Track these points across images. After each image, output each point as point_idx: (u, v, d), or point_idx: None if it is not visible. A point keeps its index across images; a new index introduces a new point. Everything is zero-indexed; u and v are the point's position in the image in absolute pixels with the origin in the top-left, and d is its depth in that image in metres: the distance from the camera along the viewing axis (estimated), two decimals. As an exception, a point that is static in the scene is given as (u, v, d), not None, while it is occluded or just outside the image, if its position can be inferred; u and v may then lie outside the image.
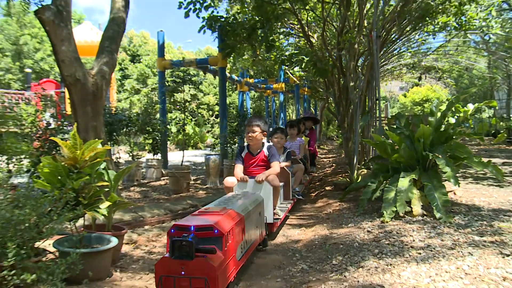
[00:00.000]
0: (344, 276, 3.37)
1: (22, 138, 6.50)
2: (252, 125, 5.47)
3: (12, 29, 35.27)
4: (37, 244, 3.24)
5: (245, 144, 5.55)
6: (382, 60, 12.76)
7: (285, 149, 6.75)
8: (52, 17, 5.29)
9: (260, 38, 8.56)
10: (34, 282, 2.63)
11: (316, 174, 10.97)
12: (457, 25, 9.38)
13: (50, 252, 3.60)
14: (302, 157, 8.09)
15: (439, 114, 5.60)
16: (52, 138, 4.40)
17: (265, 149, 5.36)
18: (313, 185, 9.11)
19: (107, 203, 3.82)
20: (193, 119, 12.49)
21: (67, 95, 9.94)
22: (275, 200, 5.06)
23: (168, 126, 11.75)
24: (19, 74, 33.84)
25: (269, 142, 6.59)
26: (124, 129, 10.13)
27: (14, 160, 4.83)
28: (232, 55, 10.89)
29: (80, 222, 4.04)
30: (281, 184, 5.75)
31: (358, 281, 3.19)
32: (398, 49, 13.61)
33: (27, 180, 4.75)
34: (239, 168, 5.25)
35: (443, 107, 5.70)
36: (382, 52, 10.11)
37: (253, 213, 4.06)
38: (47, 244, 3.59)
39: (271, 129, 8.10)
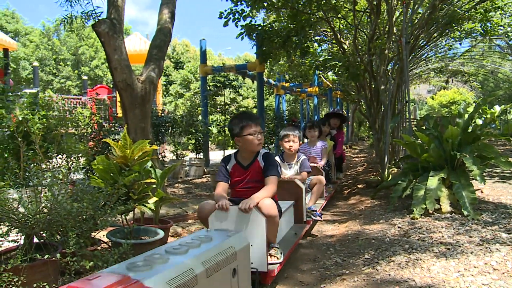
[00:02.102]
0: (376, 269, 3.33)
1: (79, 139, 6.68)
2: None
3: (73, 41, 36.53)
4: (93, 234, 3.33)
5: (232, 152, 3.73)
6: (411, 65, 12.55)
7: (299, 156, 5.09)
8: (107, 29, 5.45)
9: (295, 45, 8.53)
10: (91, 269, 2.70)
11: (348, 173, 10.86)
12: (482, 31, 9.15)
13: (104, 242, 3.69)
14: (325, 165, 6.47)
15: (466, 115, 5.48)
16: (105, 139, 4.50)
17: (260, 158, 3.46)
18: (346, 183, 9.01)
19: (154, 199, 3.88)
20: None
21: (118, 99, 10.15)
22: (271, 235, 3.22)
23: (210, 128, 11.85)
24: (77, 81, 34.92)
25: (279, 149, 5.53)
26: (169, 130, 10.29)
27: (72, 158, 4.96)
28: (269, 61, 10.89)
29: (130, 215, 4.12)
30: (291, 203, 4.38)
31: (389, 275, 3.15)
32: (426, 54, 13.35)
33: (83, 177, 4.88)
34: (221, 188, 3.41)
35: (471, 109, 5.58)
36: (411, 57, 9.94)
37: (211, 278, 2.20)
38: (102, 235, 3.69)
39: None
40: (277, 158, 4.92)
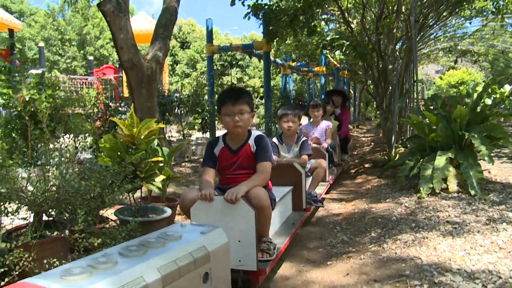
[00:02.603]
0: (383, 247, 3.35)
1: (86, 118, 6.70)
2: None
3: (78, 21, 36.46)
4: (101, 212, 3.36)
5: (221, 134, 3.30)
6: (419, 44, 12.39)
7: (299, 137, 4.73)
8: (112, 9, 5.42)
9: (302, 24, 8.45)
10: (100, 246, 2.73)
11: (355, 152, 10.84)
12: (494, 9, 9.00)
13: (112, 220, 3.73)
14: (329, 147, 6.09)
15: (475, 95, 5.44)
16: (111, 118, 4.51)
17: (251, 141, 3.05)
18: (353, 162, 9.00)
19: (161, 177, 3.91)
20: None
21: (124, 79, 10.15)
22: (262, 228, 2.91)
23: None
24: (83, 61, 34.94)
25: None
26: (176, 110, 10.30)
27: (79, 138, 4.99)
28: (275, 40, 10.81)
29: (137, 194, 4.15)
30: (289, 188, 4.03)
31: (395, 253, 3.17)
32: (435, 34, 13.19)
33: (91, 156, 4.91)
34: (208, 174, 3.01)
35: (480, 89, 5.52)
36: (419, 37, 9.83)
37: None
38: (109, 213, 3.72)
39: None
40: (274, 139, 4.78)
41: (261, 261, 2.79)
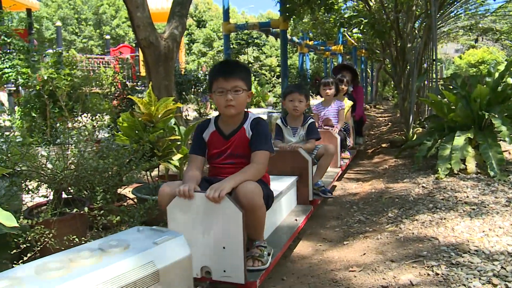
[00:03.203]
0: (400, 228, 3.34)
1: (103, 98, 6.74)
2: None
3: (94, 0, 36.50)
4: (119, 190, 3.40)
5: (212, 116, 2.87)
6: (439, 22, 12.15)
7: (306, 119, 4.21)
8: (129, -14, 5.39)
9: (319, 1, 8.34)
10: (118, 223, 2.77)
11: (372, 132, 10.76)
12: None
13: (130, 198, 3.77)
14: (342, 129, 5.69)
15: (497, 74, 5.32)
16: (130, 96, 4.53)
17: (247, 125, 2.58)
18: (370, 142, 8.94)
19: (178, 155, 3.92)
20: (256, 79, 12.50)
21: (141, 58, 10.18)
22: (254, 231, 2.43)
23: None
24: (99, 40, 35.08)
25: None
26: (193, 89, 10.31)
27: (97, 117, 5.03)
28: (292, 18, 10.70)
29: (155, 172, 4.18)
30: (294, 179, 3.57)
31: (412, 233, 3.15)
32: (455, 11, 12.93)
33: (108, 134, 4.96)
34: (193, 164, 2.55)
35: (502, 68, 5.41)
36: (439, 14, 9.64)
37: None
38: (127, 191, 3.76)
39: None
40: (278, 121, 4.33)
41: (251, 271, 2.33)
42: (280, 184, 3.27)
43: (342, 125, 5.70)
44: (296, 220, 3.30)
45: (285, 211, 3.38)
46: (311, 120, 4.19)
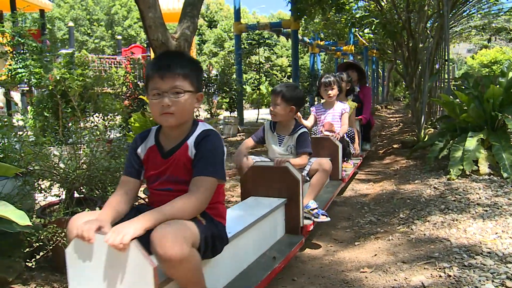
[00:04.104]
0: (411, 229, 3.32)
1: (115, 98, 6.78)
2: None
3: (106, 1, 36.78)
4: (130, 190, 3.41)
5: (154, 126, 2.08)
6: (451, 22, 12.08)
7: (296, 128, 3.39)
8: (140, -14, 5.41)
9: (330, 1, 8.32)
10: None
11: (383, 133, 10.71)
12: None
13: (141, 198, 3.78)
14: (344, 135, 4.94)
15: (510, 74, 5.27)
16: (141, 96, 4.55)
17: (191, 141, 1.90)
18: (381, 143, 8.89)
19: (190, 156, 3.92)
20: (267, 79, 12.50)
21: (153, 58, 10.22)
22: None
23: (244, 86, 11.83)
24: (111, 41, 35.32)
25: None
26: (204, 89, 10.33)
27: (109, 117, 5.06)
28: (303, 19, 10.69)
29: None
30: (281, 202, 2.86)
31: (424, 234, 3.14)
32: (468, 11, 12.84)
33: (120, 134, 4.98)
34: (122, 188, 1.97)
35: (515, 68, 5.36)
36: (451, 14, 9.59)
37: None
38: (139, 191, 3.77)
39: None
40: (266, 123, 3.58)
41: None
42: (260, 209, 2.65)
43: (345, 130, 4.93)
44: (274, 258, 2.54)
45: (264, 244, 2.66)
46: (303, 129, 3.38)
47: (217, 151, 1.87)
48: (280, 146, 3.45)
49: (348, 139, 5.08)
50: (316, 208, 3.24)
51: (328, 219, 3.24)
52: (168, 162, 1.90)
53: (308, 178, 3.43)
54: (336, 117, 4.94)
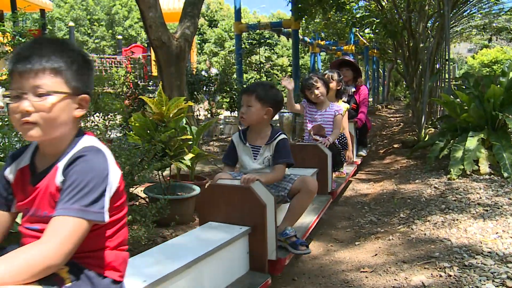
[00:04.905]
0: (411, 228, 3.32)
1: (115, 97, 6.78)
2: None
3: (106, 1, 36.79)
4: (130, 190, 3.41)
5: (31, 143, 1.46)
6: (451, 22, 12.08)
7: (274, 135, 2.76)
8: (141, -14, 5.42)
9: (331, 1, 8.31)
10: (130, 222, 2.78)
11: (384, 132, 10.70)
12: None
13: (142, 198, 3.78)
14: (336, 142, 4.33)
15: (511, 74, 5.27)
16: (140, 96, 4.55)
17: (62, 164, 1.30)
18: (381, 142, 8.89)
19: (190, 155, 3.92)
20: (267, 79, 12.50)
21: (153, 58, 10.22)
22: None
23: (244, 86, 11.83)
24: (112, 40, 35.32)
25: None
26: (204, 88, 10.33)
27: (109, 116, 5.05)
28: (304, 18, 10.68)
29: (166, 172, 4.19)
30: (243, 230, 2.29)
31: (424, 234, 3.13)
32: (468, 11, 12.83)
33: (120, 134, 4.98)
34: None
35: (516, 67, 5.35)
36: (452, 14, 9.58)
37: None
38: (139, 190, 3.78)
39: None
40: (234, 136, 2.99)
41: None
42: (211, 241, 2.12)
43: (337, 136, 4.32)
44: None
45: (215, 286, 2.10)
46: (282, 136, 2.76)
47: (90, 181, 1.25)
48: (255, 159, 2.79)
49: (339, 145, 4.51)
50: (295, 236, 2.65)
51: (309, 250, 2.67)
52: (36, 191, 1.35)
53: (288, 199, 2.76)
54: (328, 119, 4.32)
